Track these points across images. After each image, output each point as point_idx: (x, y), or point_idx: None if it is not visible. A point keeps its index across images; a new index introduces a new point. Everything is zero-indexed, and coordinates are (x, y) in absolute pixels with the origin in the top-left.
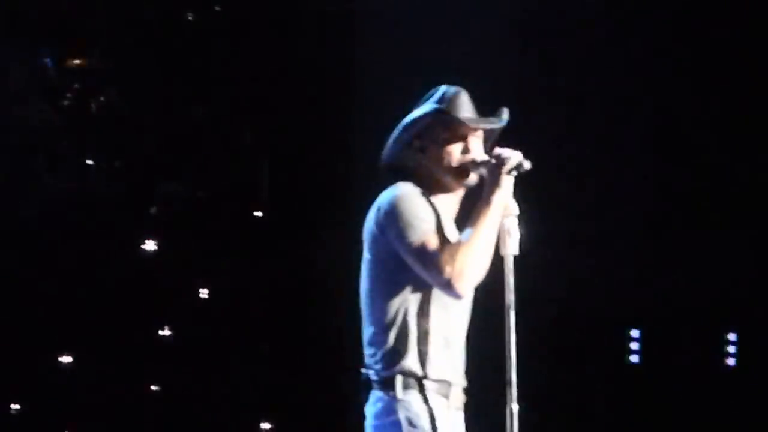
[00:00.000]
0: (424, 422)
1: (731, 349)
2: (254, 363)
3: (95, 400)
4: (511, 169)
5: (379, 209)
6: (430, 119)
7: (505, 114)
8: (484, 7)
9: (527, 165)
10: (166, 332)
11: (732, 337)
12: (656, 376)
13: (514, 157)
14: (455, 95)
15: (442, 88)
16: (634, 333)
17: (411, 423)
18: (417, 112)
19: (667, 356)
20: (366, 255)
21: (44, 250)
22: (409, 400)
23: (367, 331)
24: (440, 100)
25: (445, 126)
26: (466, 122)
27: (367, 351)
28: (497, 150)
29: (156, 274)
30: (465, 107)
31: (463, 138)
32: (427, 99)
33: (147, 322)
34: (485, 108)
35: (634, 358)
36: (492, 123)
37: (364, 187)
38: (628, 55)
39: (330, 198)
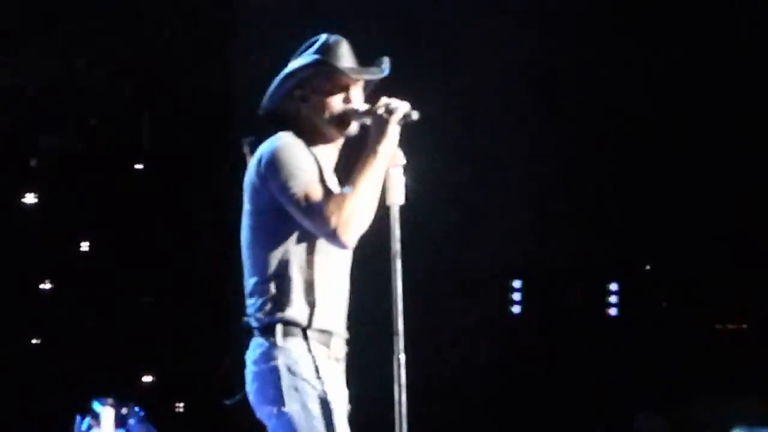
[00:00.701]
0: (304, 369)
1: (613, 299)
2: (136, 315)
3: None
4: (400, 120)
5: (260, 160)
6: (312, 70)
7: (387, 63)
8: None
9: (415, 115)
10: (47, 285)
11: (614, 287)
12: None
13: (402, 107)
14: (336, 44)
15: (323, 37)
16: (516, 284)
17: (290, 369)
18: (298, 62)
19: (549, 306)
20: (246, 206)
21: None
22: (289, 347)
23: (249, 281)
24: (321, 50)
25: (326, 76)
26: (348, 73)
27: (249, 300)
28: (385, 99)
29: (36, 228)
30: (346, 57)
31: (345, 88)
32: (308, 48)
33: (28, 275)
34: (364, 56)
35: (516, 309)
36: (374, 73)
37: (245, 136)
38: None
39: (211, 150)
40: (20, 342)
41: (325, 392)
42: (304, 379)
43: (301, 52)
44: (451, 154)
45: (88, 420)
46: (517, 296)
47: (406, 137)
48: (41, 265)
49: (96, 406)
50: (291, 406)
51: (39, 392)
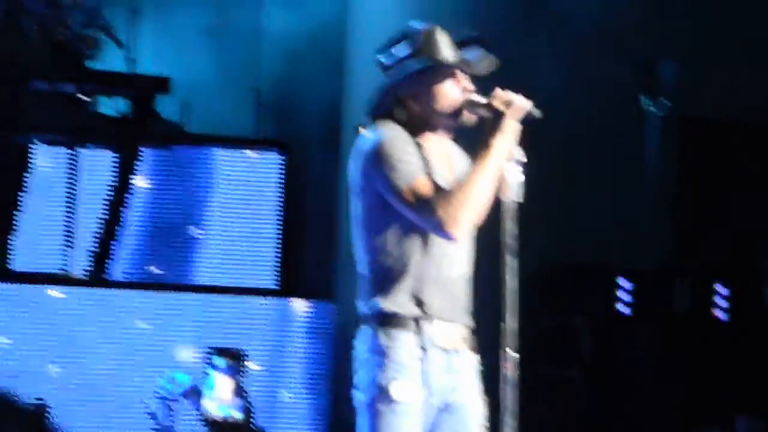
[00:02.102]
0: (406, 358)
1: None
2: None
3: None
4: (520, 117)
5: (362, 154)
6: (418, 68)
7: (486, 46)
8: None
9: (537, 114)
10: None
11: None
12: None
13: (523, 103)
14: (433, 36)
15: (417, 30)
16: (626, 284)
17: (391, 358)
18: (402, 70)
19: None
20: (353, 199)
21: None
22: (394, 336)
23: (361, 270)
24: (420, 47)
25: (434, 73)
26: (458, 68)
27: (360, 289)
28: (506, 95)
29: None
30: (447, 46)
31: (454, 77)
32: (401, 41)
33: None
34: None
35: (624, 309)
36: (485, 64)
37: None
38: None
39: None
40: None
41: (390, 389)
42: (383, 373)
43: (395, 45)
44: (565, 149)
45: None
46: (626, 296)
47: (527, 133)
48: None
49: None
50: (364, 398)
51: None
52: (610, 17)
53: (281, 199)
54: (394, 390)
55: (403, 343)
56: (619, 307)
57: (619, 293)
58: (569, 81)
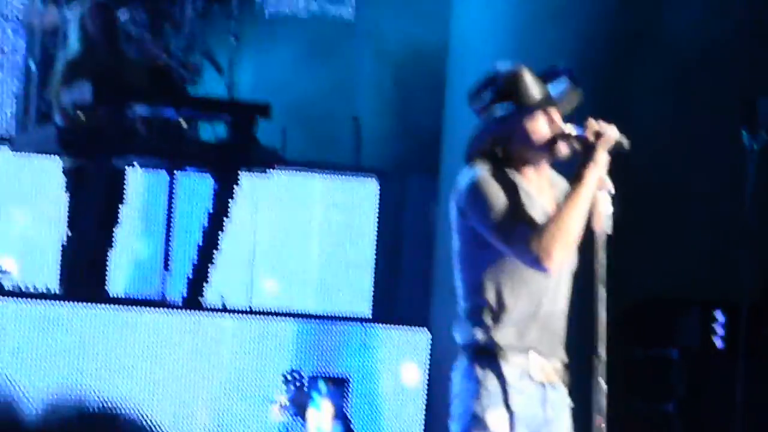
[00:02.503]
0: (483, 390)
1: None
2: None
3: None
4: (610, 147)
5: (459, 192)
6: (508, 113)
7: (571, 77)
8: None
9: (626, 143)
10: None
11: None
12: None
13: (612, 133)
14: (518, 76)
15: (502, 72)
16: (719, 316)
17: (470, 389)
18: (491, 115)
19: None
20: (453, 235)
21: None
22: (477, 368)
23: (459, 303)
24: (506, 90)
25: (525, 114)
26: (544, 105)
27: (459, 321)
28: (596, 125)
29: None
30: (531, 84)
31: (547, 113)
32: (487, 85)
33: None
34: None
35: (718, 342)
36: (569, 97)
37: None
38: None
39: None
40: None
41: (485, 418)
42: (478, 402)
43: (481, 92)
44: (664, 181)
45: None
46: (719, 329)
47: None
48: None
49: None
50: (458, 428)
51: None
52: (714, 49)
53: (378, 227)
54: (489, 418)
55: (496, 375)
56: (715, 340)
57: (715, 326)
58: (670, 112)
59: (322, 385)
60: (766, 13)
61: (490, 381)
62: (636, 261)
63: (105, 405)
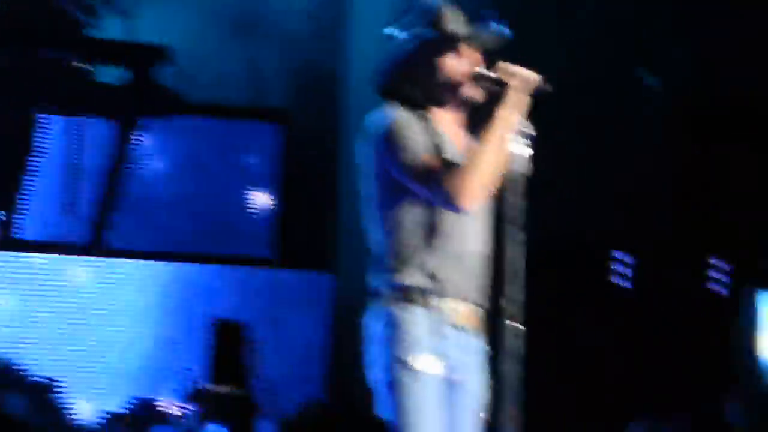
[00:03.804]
0: (422, 333)
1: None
2: None
3: None
4: (528, 89)
5: (373, 136)
6: (425, 41)
7: (499, 22)
8: None
9: (548, 87)
10: None
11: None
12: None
13: (529, 75)
14: (441, 9)
15: (429, 3)
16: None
17: (393, 336)
18: (408, 35)
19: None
20: (365, 180)
21: None
22: (410, 310)
23: (372, 247)
24: (430, 20)
25: (438, 44)
26: (465, 40)
27: (373, 266)
28: (515, 68)
29: None
30: (454, 18)
31: (459, 52)
32: (411, 15)
33: None
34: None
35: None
36: (494, 39)
37: None
38: None
39: None
40: None
41: (411, 362)
42: (403, 348)
43: (405, 19)
44: (567, 121)
45: None
46: (626, 271)
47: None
48: None
49: None
50: (386, 377)
51: None
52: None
53: (280, 170)
54: (417, 362)
55: (419, 318)
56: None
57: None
58: (574, 60)
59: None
60: None
61: (412, 325)
62: (547, 207)
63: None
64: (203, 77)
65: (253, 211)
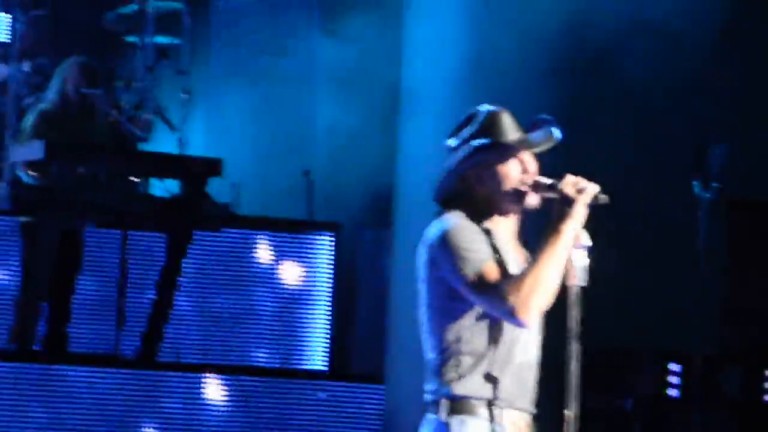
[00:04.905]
0: None
1: None
2: None
3: None
4: (588, 201)
5: (429, 243)
6: (482, 150)
7: (555, 127)
8: None
9: (604, 198)
10: None
11: None
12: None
13: (591, 188)
14: (498, 117)
15: (482, 111)
16: (674, 367)
17: None
18: (464, 145)
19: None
20: (421, 286)
21: None
22: (453, 423)
23: (427, 357)
24: (485, 127)
25: (499, 153)
26: (520, 147)
27: (429, 375)
28: (572, 177)
29: None
30: (511, 127)
31: (519, 159)
32: (466, 123)
33: None
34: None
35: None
36: (546, 142)
37: None
38: None
39: None
40: None
41: None
42: None
43: (461, 129)
44: (618, 232)
45: None
46: (675, 380)
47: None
48: None
49: None
50: None
51: None
52: (667, 97)
53: (332, 282)
54: None
55: (471, 428)
56: (669, 391)
57: (669, 377)
58: (624, 162)
59: None
60: (718, 62)
61: None
62: (592, 311)
63: None
64: (255, 189)
65: (305, 323)
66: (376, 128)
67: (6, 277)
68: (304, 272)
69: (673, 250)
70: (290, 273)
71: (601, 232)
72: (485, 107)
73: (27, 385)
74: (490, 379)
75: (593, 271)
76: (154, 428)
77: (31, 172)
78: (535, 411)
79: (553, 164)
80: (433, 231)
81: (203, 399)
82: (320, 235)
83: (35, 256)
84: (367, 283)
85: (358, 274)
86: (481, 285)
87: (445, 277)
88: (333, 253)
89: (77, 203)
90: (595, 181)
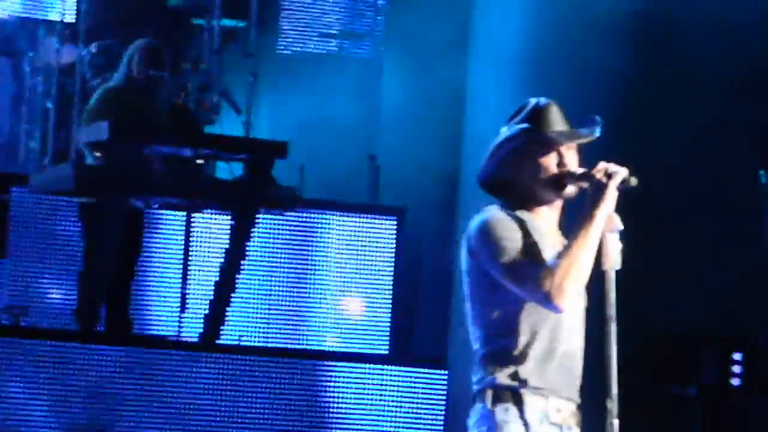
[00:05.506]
0: None
1: None
2: None
3: None
4: (618, 185)
5: (469, 235)
6: (521, 139)
7: (598, 123)
8: None
9: (634, 182)
10: None
11: None
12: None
13: (620, 171)
14: (545, 109)
15: (531, 103)
16: (737, 356)
17: None
18: (509, 132)
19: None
20: (464, 278)
21: None
22: (498, 412)
23: (474, 347)
24: (530, 116)
25: (538, 142)
26: (557, 137)
27: (475, 365)
28: (603, 164)
29: None
30: (556, 120)
31: (558, 151)
32: (517, 114)
33: None
34: (576, 115)
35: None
36: (584, 135)
37: None
38: None
39: None
40: None
41: None
42: None
43: (512, 119)
44: (683, 220)
45: None
46: (737, 368)
47: (623, 203)
48: None
49: None
50: None
51: None
52: (732, 86)
53: (396, 266)
54: None
55: (517, 418)
56: (732, 380)
57: (733, 366)
58: (689, 149)
59: None
60: None
61: (512, 425)
62: (656, 299)
63: None
64: (320, 173)
65: (369, 307)
66: (441, 115)
67: (70, 260)
68: (367, 256)
69: (736, 237)
70: (353, 256)
71: (661, 220)
72: (535, 99)
73: (89, 366)
74: (535, 368)
75: (656, 259)
76: (217, 412)
77: (96, 153)
78: (579, 400)
79: (616, 148)
80: (472, 223)
81: (264, 382)
82: (384, 218)
83: (98, 238)
84: (431, 269)
85: (422, 260)
86: (516, 272)
87: (484, 268)
88: (396, 237)
89: (141, 185)
90: (649, 169)
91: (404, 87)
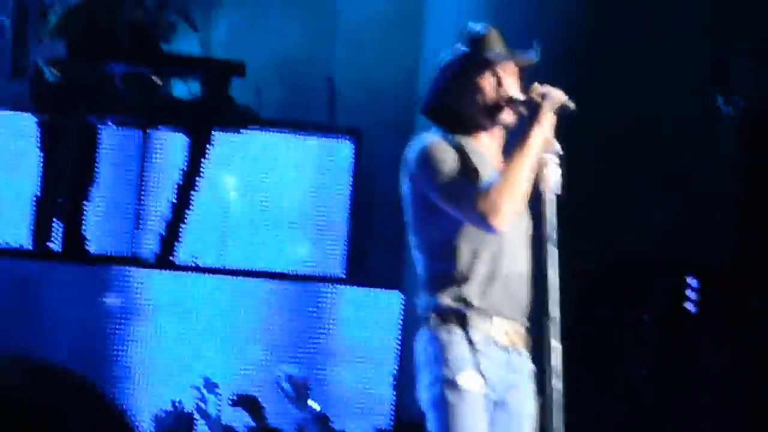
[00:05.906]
0: (466, 353)
1: None
2: None
3: None
4: (555, 108)
5: (407, 160)
6: (461, 61)
7: (537, 48)
8: None
9: (571, 105)
10: None
11: None
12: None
13: (556, 94)
14: (484, 34)
15: (471, 28)
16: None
17: (437, 358)
18: (448, 57)
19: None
20: (405, 205)
21: None
22: (442, 332)
23: (418, 271)
24: (469, 42)
25: (476, 66)
26: (495, 57)
27: (419, 290)
28: (540, 87)
29: None
30: (495, 44)
31: (496, 75)
32: (460, 38)
33: None
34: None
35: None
36: (522, 57)
37: None
38: None
39: None
40: None
41: (455, 381)
42: (447, 368)
43: (454, 45)
44: (634, 144)
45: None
46: (692, 294)
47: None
48: None
49: None
50: (431, 396)
51: None
52: (682, 12)
53: (352, 188)
54: (462, 380)
55: (462, 338)
56: (687, 305)
57: (687, 291)
58: (640, 76)
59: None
60: None
61: (457, 346)
62: (610, 224)
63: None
64: (277, 92)
65: (323, 229)
66: (398, 36)
67: (25, 176)
68: (323, 177)
69: (695, 163)
70: (310, 177)
71: (622, 146)
72: (476, 25)
73: (45, 283)
74: (478, 290)
75: (609, 185)
76: (171, 332)
77: (53, 70)
78: (527, 323)
79: (568, 76)
80: (411, 150)
81: (219, 301)
82: (341, 139)
83: (54, 155)
84: (387, 192)
85: (378, 182)
86: (452, 194)
87: (423, 193)
88: (353, 158)
89: (99, 102)
90: (613, 93)
91: (362, 8)
